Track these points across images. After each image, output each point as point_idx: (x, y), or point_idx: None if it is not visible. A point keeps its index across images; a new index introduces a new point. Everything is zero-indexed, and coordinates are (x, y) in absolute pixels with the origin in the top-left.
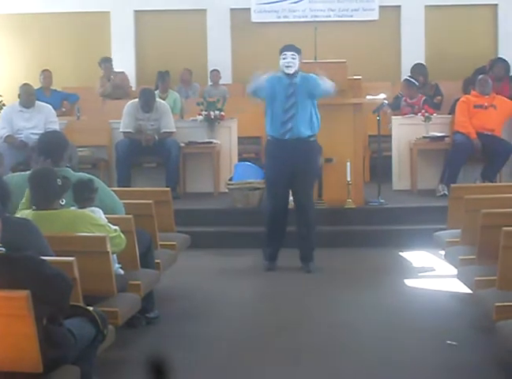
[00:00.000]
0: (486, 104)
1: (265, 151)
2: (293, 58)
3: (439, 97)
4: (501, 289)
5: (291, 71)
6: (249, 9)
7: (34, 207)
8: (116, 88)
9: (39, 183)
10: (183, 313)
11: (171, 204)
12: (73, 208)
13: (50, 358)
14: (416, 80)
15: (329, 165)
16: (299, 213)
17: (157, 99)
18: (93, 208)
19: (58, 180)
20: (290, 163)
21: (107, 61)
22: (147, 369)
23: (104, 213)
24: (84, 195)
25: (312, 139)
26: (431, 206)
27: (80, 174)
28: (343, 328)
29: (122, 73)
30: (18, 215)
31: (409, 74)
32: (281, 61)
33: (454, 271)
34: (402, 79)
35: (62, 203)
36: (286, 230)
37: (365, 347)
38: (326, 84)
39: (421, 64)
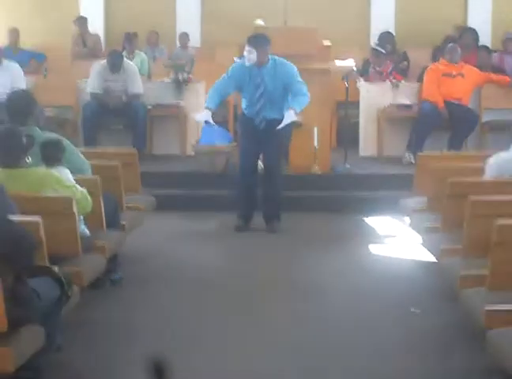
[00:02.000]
0: (454, 73)
1: (238, 122)
2: (250, 53)
3: (405, 62)
4: (466, 257)
5: (248, 64)
6: None
7: None
8: (90, 51)
9: (3, 141)
10: (147, 275)
11: (137, 166)
12: (41, 167)
13: (14, 316)
14: (383, 48)
15: (296, 131)
16: (265, 175)
17: (125, 60)
18: (60, 168)
19: (23, 138)
20: (261, 135)
21: (82, 21)
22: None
23: (71, 173)
24: (52, 154)
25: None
26: (396, 173)
27: (48, 133)
28: (305, 293)
29: (96, 35)
30: None
31: (377, 42)
32: (245, 54)
33: (419, 238)
34: (371, 45)
35: (28, 161)
36: (256, 191)
37: (328, 313)
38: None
39: (388, 32)
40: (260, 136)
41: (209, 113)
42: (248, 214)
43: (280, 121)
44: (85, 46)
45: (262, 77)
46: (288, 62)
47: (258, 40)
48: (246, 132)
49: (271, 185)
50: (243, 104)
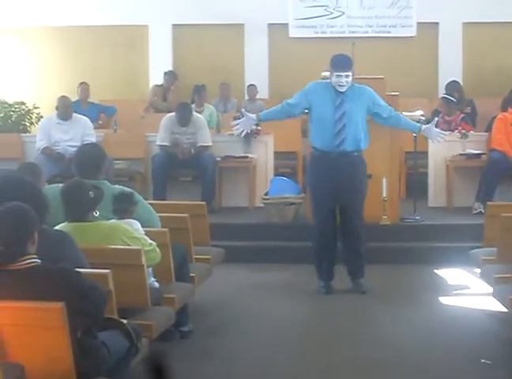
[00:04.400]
0: None
1: (308, 165)
2: (347, 78)
3: (468, 107)
4: None
5: (343, 90)
6: (287, 24)
7: (67, 220)
8: (168, 106)
9: (71, 196)
10: (217, 327)
11: (206, 218)
12: (112, 220)
13: (83, 370)
14: (452, 97)
15: None
16: (349, 231)
17: (194, 113)
18: (131, 221)
19: (90, 192)
20: (336, 179)
21: (171, 75)
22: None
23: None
24: (124, 208)
25: (356, 154)
26: (466, 223)
27: (118, 186)
28: (378, 344)
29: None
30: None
31: (444, 92)
32: (334, 79)
33: (490, 289)
34: (439, 96)
35: (96, 215)
36: (337, 247)
37: (400, 364)
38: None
39: (455, 81)
40: (337, 178)
41: (254, 117)
42: (329, 273)
43: (352, 152)
44: (165, 100)
45: (343, 99)
46: (365, 86)
47: (351, 62)
48: (319, 176)
49: (355, 239)
50: (314, 136)
